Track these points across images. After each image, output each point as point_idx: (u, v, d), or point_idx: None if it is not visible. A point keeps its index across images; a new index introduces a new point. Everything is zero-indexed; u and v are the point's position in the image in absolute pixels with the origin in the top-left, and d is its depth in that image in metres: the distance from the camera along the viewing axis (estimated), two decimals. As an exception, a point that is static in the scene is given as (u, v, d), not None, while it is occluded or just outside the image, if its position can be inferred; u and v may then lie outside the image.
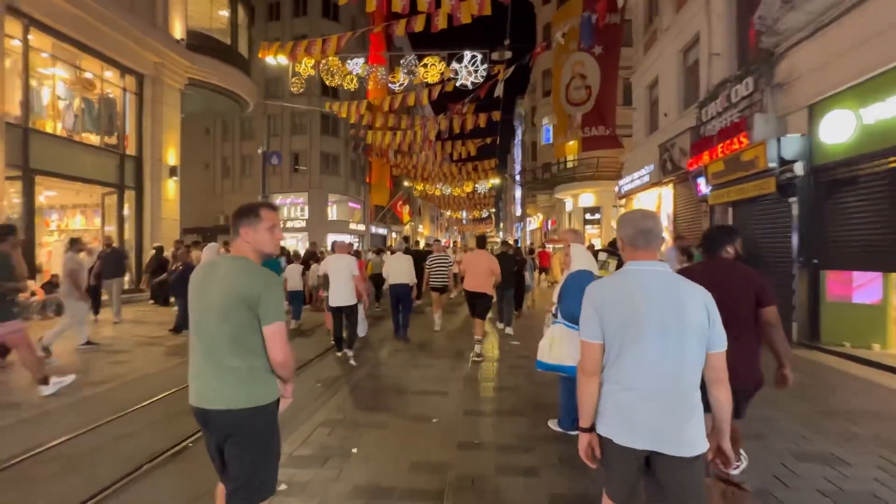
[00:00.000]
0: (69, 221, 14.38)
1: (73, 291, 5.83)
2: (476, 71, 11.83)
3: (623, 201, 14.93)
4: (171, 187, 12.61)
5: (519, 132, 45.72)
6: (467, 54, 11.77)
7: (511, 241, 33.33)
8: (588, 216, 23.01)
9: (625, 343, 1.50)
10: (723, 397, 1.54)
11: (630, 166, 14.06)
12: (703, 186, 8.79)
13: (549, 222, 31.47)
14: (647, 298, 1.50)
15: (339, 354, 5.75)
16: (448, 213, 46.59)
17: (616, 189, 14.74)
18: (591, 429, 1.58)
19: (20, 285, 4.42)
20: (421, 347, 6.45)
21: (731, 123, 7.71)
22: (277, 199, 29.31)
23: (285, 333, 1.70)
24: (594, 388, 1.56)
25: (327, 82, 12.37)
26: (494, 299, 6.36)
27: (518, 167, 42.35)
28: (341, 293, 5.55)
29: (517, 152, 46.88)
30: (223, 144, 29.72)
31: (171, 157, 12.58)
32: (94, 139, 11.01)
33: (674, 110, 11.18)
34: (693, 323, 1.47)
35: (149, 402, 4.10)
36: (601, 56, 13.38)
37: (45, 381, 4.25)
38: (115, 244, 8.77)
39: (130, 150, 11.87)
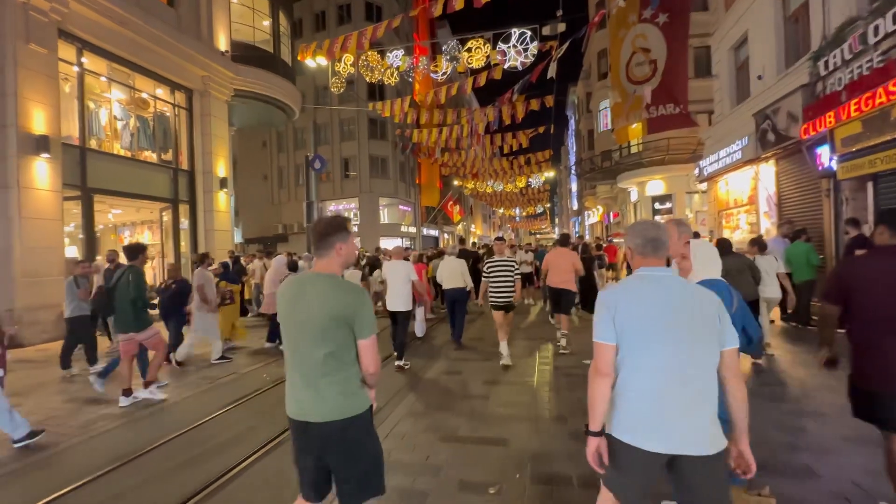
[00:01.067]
0: (139, 237, 15.23)
1: (202, 305, 6.06)
2: (526, 50, 10.60)
3: (705, 185, 12.90)
4: (223, 199, 12.70)
5: (572, 123, 43.21)
6: (515, 32, 10.57)
7: (574, 237, 31.31)
8: (657, 205, 20.71)
9: (641, 346, 1.54)
10: (738, 394, 1.55)
11: (713, 144, 12.05)
12: (826, 158, 6.94)
13: (611, 215, 29.10)
14: (659, 303, 1.55)
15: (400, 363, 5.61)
16: (501, 210, 45.11)
17: (695, 171, 12.73)
18: (601, 433, 1.60)
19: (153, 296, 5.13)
20: (478, 368, 5.44)
21: (871, 70, 5.88)
22: (331, 206, 29.83)
23: (377, 346, 1.73)
24: (607, 391, 1.58)
25: (367, 78, 11.78)
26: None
27: (573, 158, 39.97)
28: (398, 298, 5.62)
29: (571, 143, 44.37)
30: (279, 155, 30.78)
31: (221, 168, 12.68)
32: (149, 156, 11.28)
33: (772, 70, 9.21)
34: (705, 325, 1.52)
35: (122, 462, 3.50)
36: (666, 25, 11.60)
37: (147, 385, 4.63)
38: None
39: (182, 164, 12.08)
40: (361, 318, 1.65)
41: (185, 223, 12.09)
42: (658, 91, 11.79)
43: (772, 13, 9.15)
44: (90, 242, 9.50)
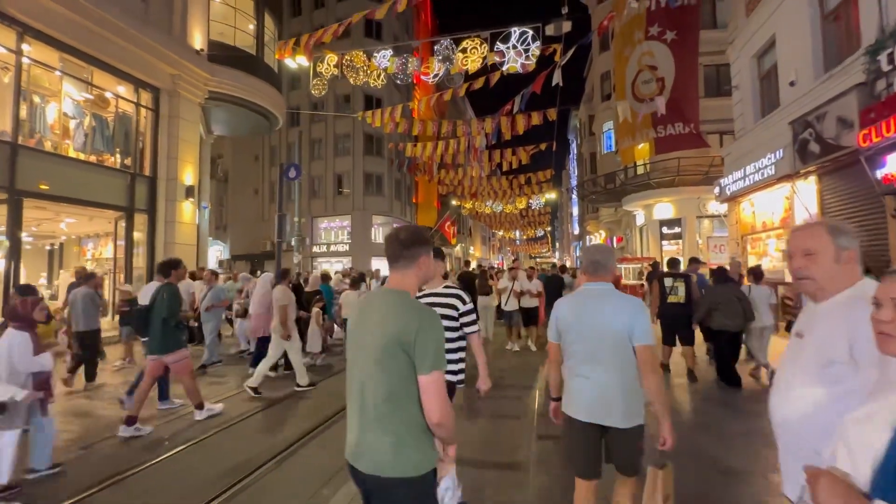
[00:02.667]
0: (102, 250, 13.87)
1: (280, 328, 5.39)
2: (527, 51, 9.53)
3: (725, 207, 11.60)
4: (188, 209, 11.40)
5: (574, 147, 42.58)
6: (515, 32, 9.53)
7: (569, 263, 30.03)
8: (665, 230, 19.44)
9: (570, 342, 2.05)
10: (648, 384, 1.91)
11: (735, 160, 10.83)
12: (894, 168, 5.64)
13: (615, 239, 27.85)
14: (586, 309, 2.03)
15: None
16: (500, 232, 43.92)
17: (716, 191, 11.47)
18: (558, 399, 2.17)
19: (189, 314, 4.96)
20: (460, 429, 3.96)
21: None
22: (322, 224, 28.62)
23: (444, 386, 1.33)
24: (558, 372, 2.21)
25: (351, 80, 10.69)
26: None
27: (574, 182, 39.07)
28: None
29: (573, 167, 43.64)
30: (271, 170, 29.77)
31: (189, 176, 11.43)
32: (105, 158, 10.04)
33: (807, 74, 8.04)
34: (614, 324, 1.94)
35: None
36: (675, 42, 10.65)
37: (200, 406, 4.44)
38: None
39: (145, 170, 10.84)
40: (423, 346, 1.30)
41: (138, 235, 10.73)
42: (667, 110, 10.76)
43: (806, 12, 8.07)
44: (16, 252, 8.12)
